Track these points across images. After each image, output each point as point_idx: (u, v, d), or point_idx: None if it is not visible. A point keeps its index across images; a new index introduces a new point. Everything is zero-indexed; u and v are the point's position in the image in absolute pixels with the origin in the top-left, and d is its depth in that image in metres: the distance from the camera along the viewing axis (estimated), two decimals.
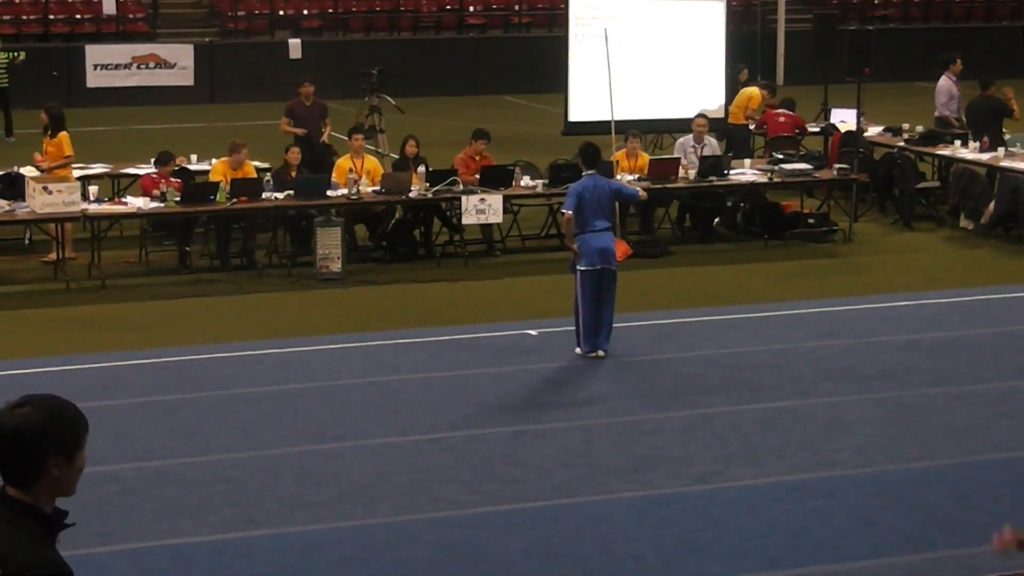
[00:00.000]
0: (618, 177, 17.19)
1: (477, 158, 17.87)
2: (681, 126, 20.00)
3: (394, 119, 21.93)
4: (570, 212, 12.91)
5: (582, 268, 12.87)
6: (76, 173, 17.71)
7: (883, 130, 21.53)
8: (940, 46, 25.61)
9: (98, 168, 18.81)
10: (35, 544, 3.85)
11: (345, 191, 16.70)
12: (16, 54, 26.39)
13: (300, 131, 18.78)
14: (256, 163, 17.94)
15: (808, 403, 11.67)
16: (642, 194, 14.30)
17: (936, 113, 21.19)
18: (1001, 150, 18.78)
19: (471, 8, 35.99)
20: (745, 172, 18.44)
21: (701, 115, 19.20)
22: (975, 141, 19.35)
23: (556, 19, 32.63)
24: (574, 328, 12.98)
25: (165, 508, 9.44)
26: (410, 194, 16.84)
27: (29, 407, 3.92)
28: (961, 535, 9.02)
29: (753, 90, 22.32)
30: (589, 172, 13.09)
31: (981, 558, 8.56)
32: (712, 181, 17.92)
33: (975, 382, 12.29)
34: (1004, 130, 20.01)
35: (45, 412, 3.93)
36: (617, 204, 14.08)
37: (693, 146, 18.71)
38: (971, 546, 8.81)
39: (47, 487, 3.95)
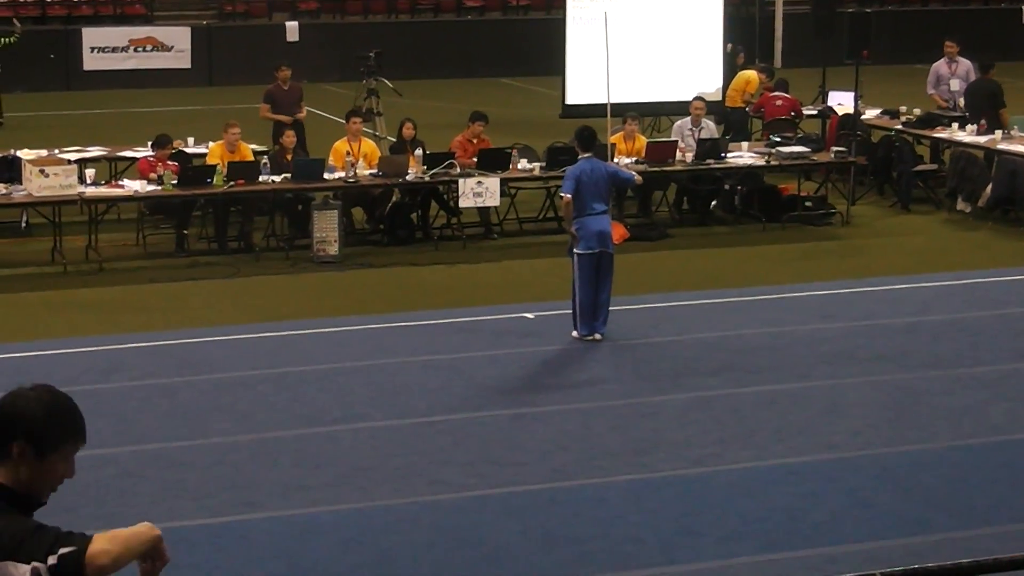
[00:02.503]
0: (615, 160, 17.17)
1: (475, 141, 17.84)
2: (679, 109, 19.98)
3: (392, 102, 21.90)
4: (568, 195, 12.90)
5: (580, 251, 12.85)
6: (73, 156, 17.69)
7: (881, 113, 21.49)
8: (939, 28, 25.59)
9: (95, 151, 18.76)
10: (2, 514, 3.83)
11: (342, 174, 16.68)
12: (10, 39, 26.11)
13: (284, 118, 18.67)
14: (253, 146, 17.92)
15: (806, 386, 11.67)
16: (637, 178, 14.30)
17: None
18: (999, 133, 18.76)
19: None
20: (743, 155, 18.42)
21: (699, 98, 19.19)
22: (973, 124, 19.33)
23: (554, 1, 32.55)
24: (572, 311, 12.97)
25: (163, 491, 9.44)
26: (407, 177, 16.82)
27: (33, 393, 3.92)
28: (959, 517, 9.03)
29: (751, 74, 22.29)
30: (585, 155, 13.09)
31: (979, 540, 8.57)
32: (710, 164, 17.90)
33: (973, 365, 12.29)
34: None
35: (37, 401, 3.90)
36: (614, 187, 14.07)
37: (691, 128, 18.70)
38: (969, 528, 8.84)
39: (11, 470, 3.90)
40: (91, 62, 31.74)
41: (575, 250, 12.89)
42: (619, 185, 14.55)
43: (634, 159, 17.68)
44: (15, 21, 26.21)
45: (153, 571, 3.80)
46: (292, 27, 32.97)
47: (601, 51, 16.31)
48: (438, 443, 10.39)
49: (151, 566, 3.80)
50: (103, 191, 16.24)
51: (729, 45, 22.83)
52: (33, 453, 3.89)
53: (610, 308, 12.98)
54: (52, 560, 3.64)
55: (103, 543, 3.68)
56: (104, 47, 31.86)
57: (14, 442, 3.87)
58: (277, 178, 16.59)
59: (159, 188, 16.11)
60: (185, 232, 16.67)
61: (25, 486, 3.92)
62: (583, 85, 20.72)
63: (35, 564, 3.65)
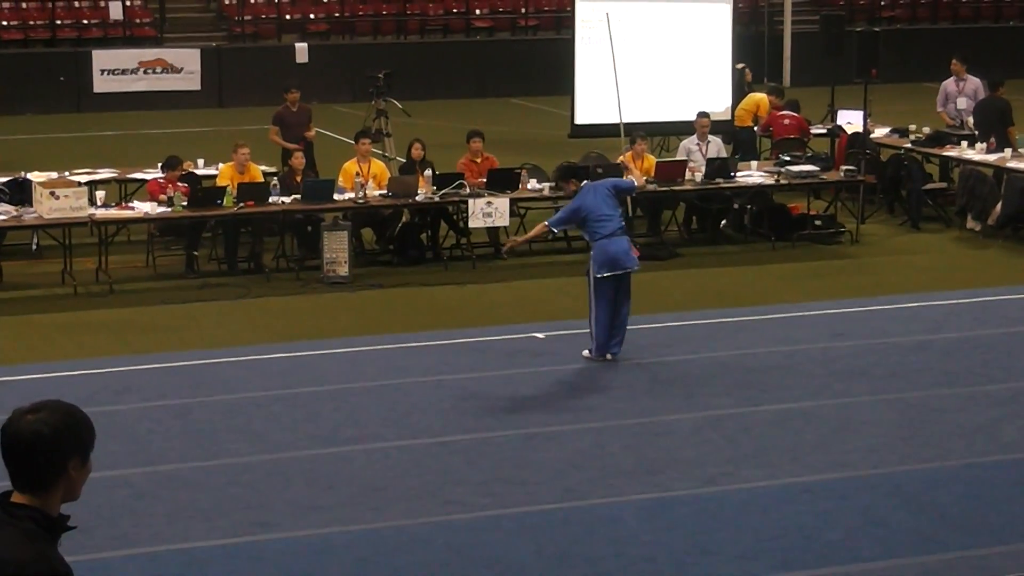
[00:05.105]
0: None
1: (479, 160, 17.88)
2: (688, 128, 19.99)
3: (401, 122, 21.94)
4: (549, 227, 13.37)
5: (600, 276, 12.79)
6: (83, 178, 17.73)
7: (890, 131, 21.51)
8: (948, 47, 25.61)
9: (105, 173, 18.80)
10: (33, 542, 3.83)
11: (352, 195, 16.70)
12: None
13: (292, 146, 18.71)
14: (263, 167, 17.95)
15: (819, 404, 11.65)
16: (639, 181, 14.28)
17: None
18: (1008, 151, 18.75)
19: (478, 11, 36.02)
20: (752, 174, 18.43)
21: (703, 114, 19.09)
22: (982, 142, 19.33)
23: (562, 21, 32.68)
24: (589, 331, 12.91)
25: (176, 512, 9.44)
26: (417, 198, 16.84)
27: (44, 411, 3.93)
28: (974, 536, 8.99)
29: (762, 97, 22.25)
30: (581, 184, 13.18)
31: (993, 559, 8.55)
32: (719, 183, 17.90)
33: (986, 383, 12.27)
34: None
35: (60, 414, 3.94)
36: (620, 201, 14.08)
37: (698, 144, 18.68)
38: (984, 547, 8.81)
39: (62, 490, 3.95)
40: (101, 84, 31.83)
41: (593, 274, 12.85)
42: (622, 195, 14.37)
43: (644, 178, 17.68)
44: None
45: None
46: (301, 48, 33.06)
47: (611, 71, 16.37)
48: (451, 463, 10.38)
49: None
50: (113, 213, 16.27)
51: (740, 65, 22.85)
52: (81, 462, 3.98)
53: (627, 327, 12.97)
54: None
55: None
56: (114, 69, 31.97)
57: (69, 461, 3.94)
58: (287, 199, 16.61)
59: (169, 210, 16.14)
60: (195, 253, 16.70)
61: (66, 500, 3.96)
62: (592, 105, 20.74)
63: None
